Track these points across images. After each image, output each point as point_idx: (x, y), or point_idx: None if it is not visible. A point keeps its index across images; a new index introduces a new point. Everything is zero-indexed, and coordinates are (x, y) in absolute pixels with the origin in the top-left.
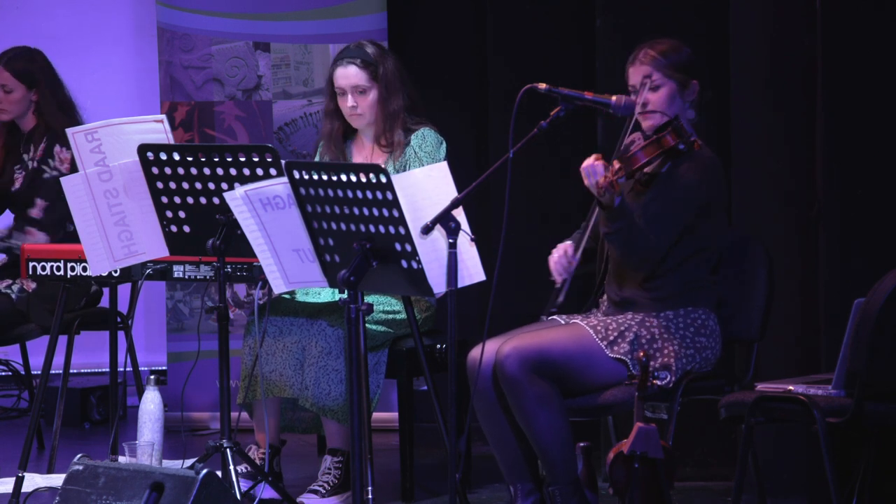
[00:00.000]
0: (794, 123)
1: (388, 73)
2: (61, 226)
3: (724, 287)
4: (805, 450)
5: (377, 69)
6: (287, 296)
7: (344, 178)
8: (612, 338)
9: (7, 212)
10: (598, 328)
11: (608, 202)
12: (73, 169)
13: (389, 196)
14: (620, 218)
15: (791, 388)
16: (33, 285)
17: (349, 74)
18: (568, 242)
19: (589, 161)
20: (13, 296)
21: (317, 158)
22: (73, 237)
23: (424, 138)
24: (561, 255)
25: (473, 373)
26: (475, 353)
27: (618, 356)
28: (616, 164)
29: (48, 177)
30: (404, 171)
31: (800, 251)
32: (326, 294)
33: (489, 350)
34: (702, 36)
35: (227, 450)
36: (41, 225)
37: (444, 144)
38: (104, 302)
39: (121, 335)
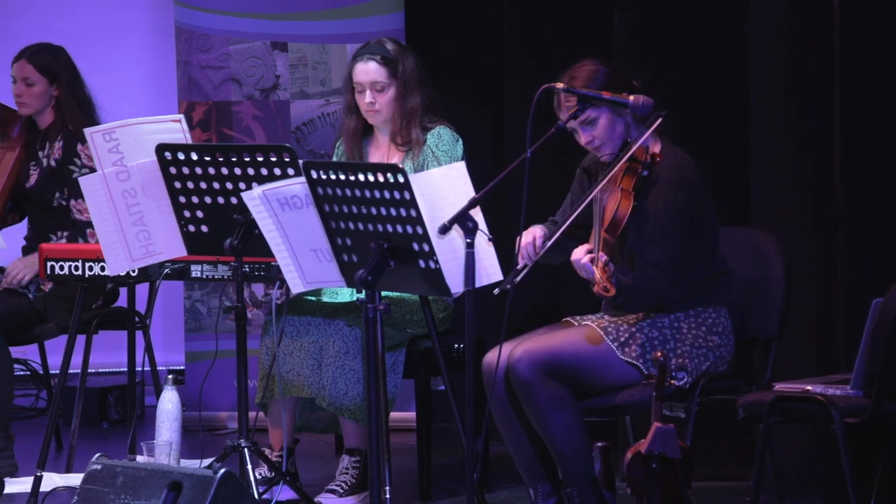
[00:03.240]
0: (811, 123)
1: (407, 70)
2: None
3: (741, 286)
4: (823, 450)
5: (397, 66)
6: (312, 297)
7: (362, 177)
8: (622, 339)
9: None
10: (609, 329)
11: (607, 297)
12: None
13: (407, 196)
14: (620, 295)
15: (809, 388)
16: (50, 285)
17: (369, 70)
18: (538, 229)
19: (578, 256)
20: (30, 295)
21: (335, 156)
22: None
23: (441, 137)
24: (529, 242)
25: (489, 376)
26: (491, 356)
27: (629, 359)
28: (603, 258)
29: (78, 177)
30: (422, 170)
31: (818, 251)
32: (345, 295)
33: (504, 352)
34: (720, 35)
35: (245, 449)
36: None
37: (461, 142)
38: (122, 301)
39: (139, 335)
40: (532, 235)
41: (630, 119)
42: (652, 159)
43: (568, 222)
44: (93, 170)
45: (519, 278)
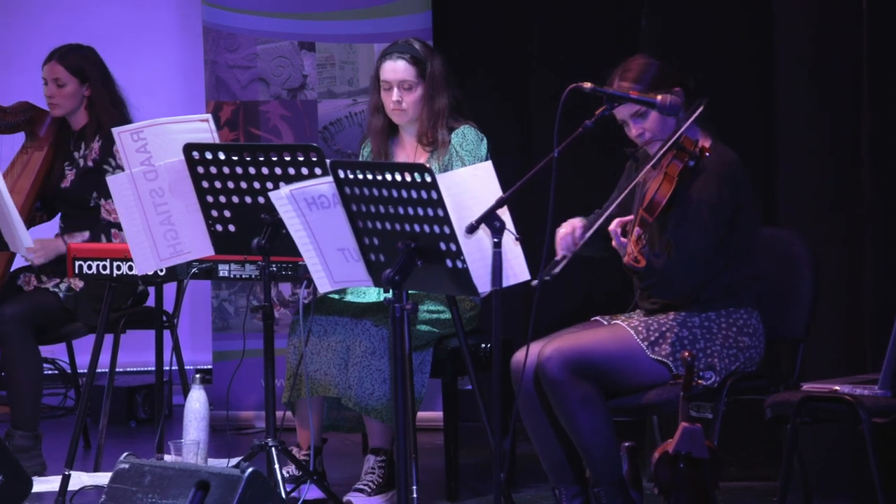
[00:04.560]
0: (839, 122)
1: (435, 71)
2: None
3: (769, 286)
4: (851, 450)
5: (425, 67)
6: (336, 296)
7: (389, 177)
8: (653, 338)
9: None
10: (640, 329)
11: (637, 270)
12: None
13: (434, 195)
14: (651, 276)
15: (837, 388)
16: (81, 284)
17: (398, 69)
18: (578, 221)
19: (613, 227)
20: (61, 294)
21: (361, 155)
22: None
23: (465, 136)
24: (568, 233)
25: (517, 375)
26: (519, 355)
27: (659, 358)
28: (636, 231)
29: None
30: (447, 170)
31: (845, 250)
32: (372, 294)
33: (532, 352)
34: (747, 35)
35: (273, 448)
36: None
37: (485, 141)
38: (149, 301)
39: (166, 334)
40: (571, 227)
41: (683, 114)
42: (700, 152)
43: (608, 211)
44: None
45: (558, 269)
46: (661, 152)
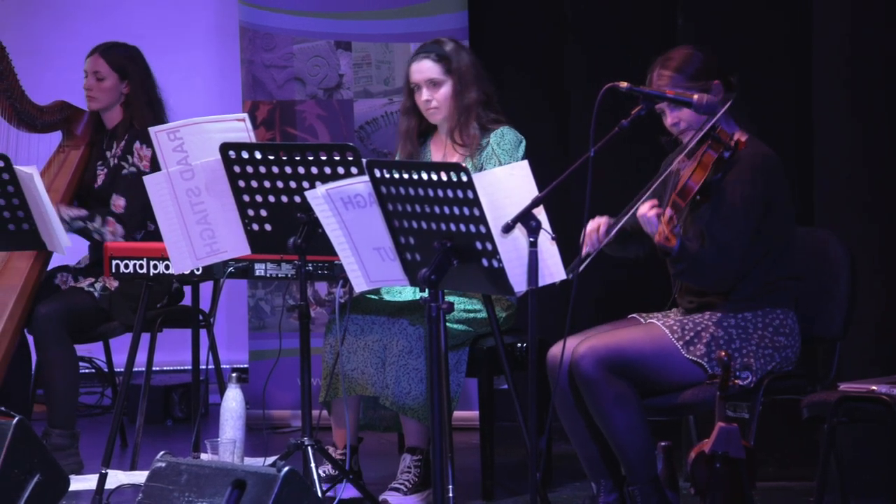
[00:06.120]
0: (875, 123)
1: (462, 66)
2: (139, 223)
3: (805, 286)
4: (888, 450)
5: (451, 62)
6: (374, 296)
7: (425, 176)
8: (688, 338)
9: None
10: (675, 328)
11: (668, 250)
12: (154, 167)
13: (470, 195)
14: (683, 260)
15: (874, 388)
16: (116, 283)
17: (423, 68)
18: (604, 218)
19: (643, 210)
20: (96, 294)
21: (398, 157)
22: (153, 236)
23: (503, 137)
24: (593, 230)
25: (554, 372)
26: (555, 350)
27: (694, 358)
28: (668, 212)
29: (126, 173)
30: (482, 169)
31: (882, 249)
32: (408, 293)
33: (568, 348)
34: (784, 35)
35: (309, 448)
36: (121, 219)
37: (524, 143)
38: (186, 300)
39: (203, 333)
40: (597, 223)
41: (720, 107)
42: (736, 145)
43: (634, 209)
44: (140, 170)
45: (582, 267)
46: (695, 141)
